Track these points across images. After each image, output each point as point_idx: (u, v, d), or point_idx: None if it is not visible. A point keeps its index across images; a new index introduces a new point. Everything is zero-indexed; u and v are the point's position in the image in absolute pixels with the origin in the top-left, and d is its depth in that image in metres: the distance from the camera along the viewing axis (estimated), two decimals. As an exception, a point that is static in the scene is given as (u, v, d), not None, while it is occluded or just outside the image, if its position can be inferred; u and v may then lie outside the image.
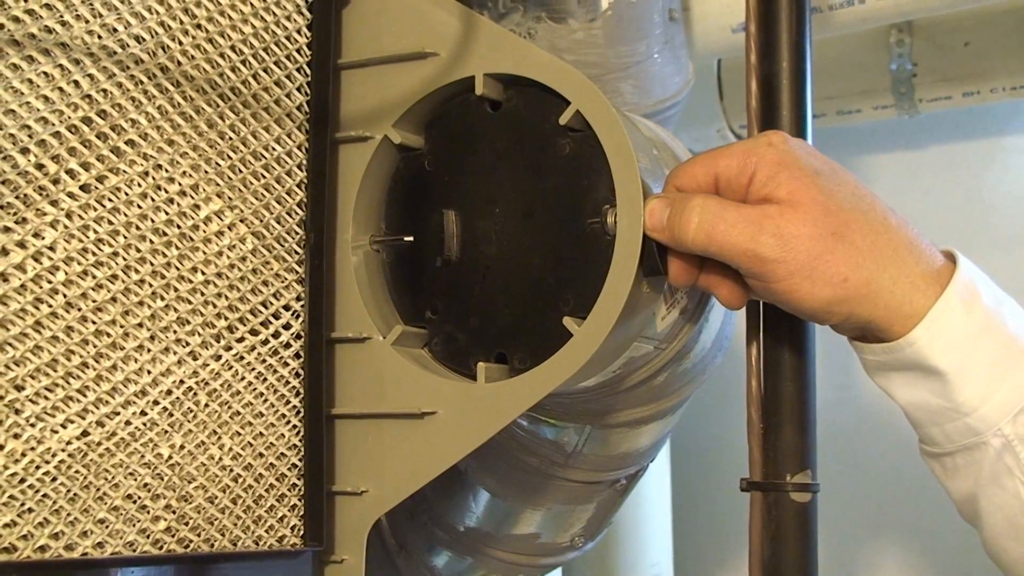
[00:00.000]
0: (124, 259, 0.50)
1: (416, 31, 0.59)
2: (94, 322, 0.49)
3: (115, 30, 0.49)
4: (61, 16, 0.47)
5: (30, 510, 0.46)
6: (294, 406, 0.58)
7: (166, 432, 0.52)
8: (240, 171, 0.55)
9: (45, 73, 0.47)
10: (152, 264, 0.51)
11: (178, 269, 0.52)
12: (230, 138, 0.55)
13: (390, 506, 0.58)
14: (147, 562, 0.50)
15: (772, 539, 0.58)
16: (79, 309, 0.48)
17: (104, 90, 0.49)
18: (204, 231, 0.53)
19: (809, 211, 0.51)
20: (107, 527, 0.49)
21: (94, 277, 0.49)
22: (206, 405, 0.54)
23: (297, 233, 0.58)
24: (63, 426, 0.47)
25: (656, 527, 1.39)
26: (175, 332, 0.52)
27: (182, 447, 0.52)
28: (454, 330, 0.59)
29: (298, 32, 0.58)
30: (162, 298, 0.51)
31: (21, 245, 0.46)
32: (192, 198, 0.53)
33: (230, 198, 0.55)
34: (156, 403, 0.51)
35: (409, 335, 0.59)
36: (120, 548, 0.49)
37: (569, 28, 0.88)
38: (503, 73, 0.57)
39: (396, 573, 0.91)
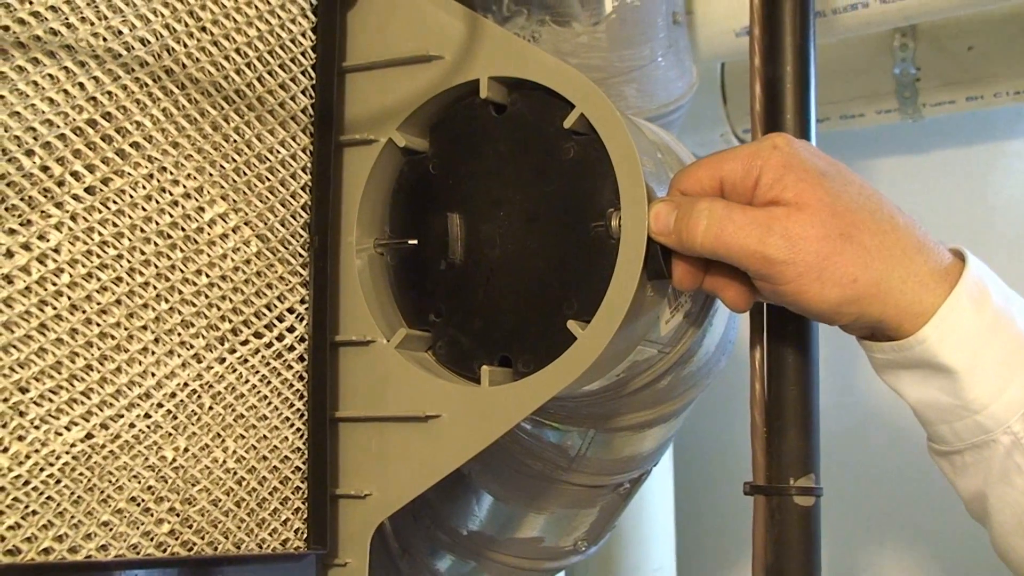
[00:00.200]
0: (128, 262, 0.50)
1: (420, 34, 0.59)
2: (98, 325, 0.49)
3: (120, 32, 0.49)
4: (66, 19, 0.47)
5: (34, 512, 0.46)
6: (298, 409, 0.58)
7: (170, 435, 0.52)
8: (244, 174, 0.55)
9: (50, 75, 0.47)
10: (156, 267, 0.51)
11: (182, 272, 0.52)
12: (235, 141, 0.55)
13: (393, 509, 0.58)
14: (151, 565, 0.50)
15: (775, 543, 0.58)
16: (83, 312, 0.48)
17: (109, 93, 0.49)
18: (208, 234, 0.53)
19: (816, 212, 0.51)
20: (111, 530, 0.49)
21: (98, 280, 0.49)
22: (210, 408, 0.54)
23: (301, 236, 0.58)
24: (67, 428, 0.47)
25: (659, 531, 1.39)
26: (179, 335, 0.52)
27: (186, 450, 0.52)
28: (458, 333, 0.58)
29: (303, 35, 0.59)
30: (166, 301, 0.51)
31: (26, 247, 0.46)
32: (196, 201, 0.53)
33: (234, 201, 0.55)
34: (160, 406, 0.51)
35: (413, 338, 0.59)
36: (124, 551, 0.49)
37: (573, 32, 0.88)
38: (507, 76, 0.57)
39: (399, 576, 0.91)
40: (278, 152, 0.57)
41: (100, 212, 0.49)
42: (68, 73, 0.47)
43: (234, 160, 0.55)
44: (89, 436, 0.48)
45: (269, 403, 0.56)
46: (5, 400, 0.45)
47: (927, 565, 1.51)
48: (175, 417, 0.52)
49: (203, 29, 0.53)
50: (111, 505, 0.49)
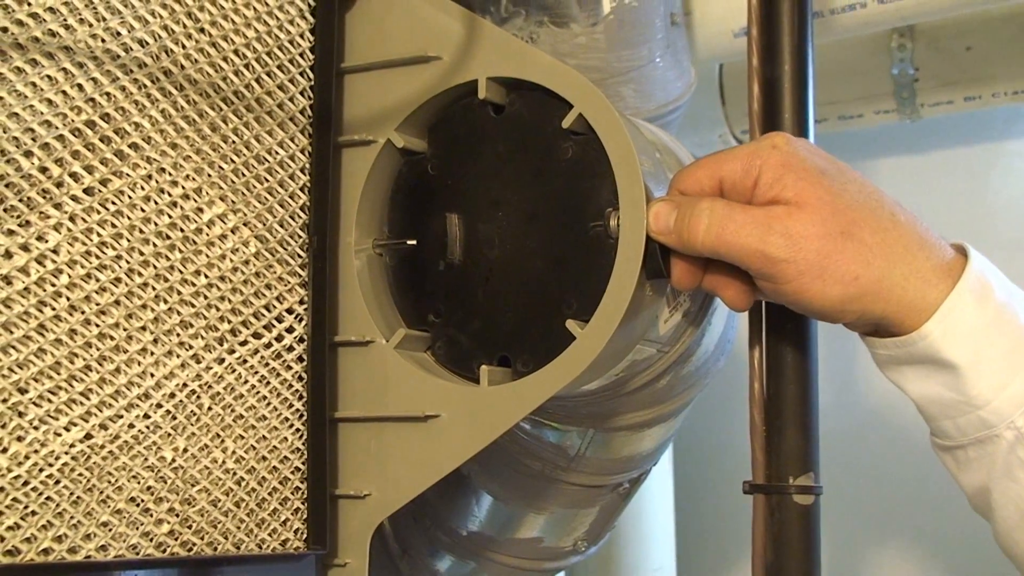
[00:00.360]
0: (127, 262, 0.50)
1: (419, 35, 0.59)
2: (97, 325, 0.49)
3: (119, 34, 0.49)
4: (65, 20, 0.47)
5: (33, 513, 0.46)
6: (297, 409, 0.58)
7: (169, 435, 0.52)
8: (243, 175, 0.55)
9: (49, 76, 0.47)
10: (155, 267, 0.51)
11: (181, 272, 0.52)
12: (233, 142, 0.55)
13: (393, 510, 0.58)
14: (150, 565, 0.50)
15: (775, 542, 0.58)
16: (82, 312, 0.48)
17: (108, 93, 0.49)
18: (207, 234, 0.54)
19: (817, 211, 0.51)
20: (110, 530, 0.49)
21: (97, 280, 0.49)
22: (209, 408, 0.54)
23: (300, 237, 0.58)
24: (66, 429, 0.47)
25: (659, 530, 1.39)
26: (178, 335, 0.52)
27: (185, 450, 0.52)
28: (457, 333, 0.59)
29: (301, 36, 0.59)
30: (165, 301, 0.51)
31: (24, 248, 0.46)
32: (195, 201, 0.53)
33: (233, 201, 0.55)
34: (159, 406, 0.51)
35: (412, 338, 0.59)
36: (123, 551, 0.49)
37: (571, 32, 0.88)
38: (506, 77, 0.57)
39: (399, 577, 0.91)
40: (277, 153, 0.57)
41: (99, 213, 0.49)
42: (67, 74, 0.47)
43: (233, 161, 0.55)
44: (88, 437, 0.48)
45: (268, 403, 0.56)
46: (4, 401, 0.45)
47: (927, 564, 1.51)
48: (174, 418, 0.52)
49: (201, 31, 0.53)
50: (110, 505, 0.49)
